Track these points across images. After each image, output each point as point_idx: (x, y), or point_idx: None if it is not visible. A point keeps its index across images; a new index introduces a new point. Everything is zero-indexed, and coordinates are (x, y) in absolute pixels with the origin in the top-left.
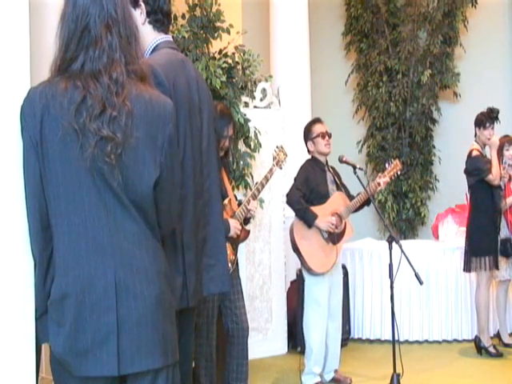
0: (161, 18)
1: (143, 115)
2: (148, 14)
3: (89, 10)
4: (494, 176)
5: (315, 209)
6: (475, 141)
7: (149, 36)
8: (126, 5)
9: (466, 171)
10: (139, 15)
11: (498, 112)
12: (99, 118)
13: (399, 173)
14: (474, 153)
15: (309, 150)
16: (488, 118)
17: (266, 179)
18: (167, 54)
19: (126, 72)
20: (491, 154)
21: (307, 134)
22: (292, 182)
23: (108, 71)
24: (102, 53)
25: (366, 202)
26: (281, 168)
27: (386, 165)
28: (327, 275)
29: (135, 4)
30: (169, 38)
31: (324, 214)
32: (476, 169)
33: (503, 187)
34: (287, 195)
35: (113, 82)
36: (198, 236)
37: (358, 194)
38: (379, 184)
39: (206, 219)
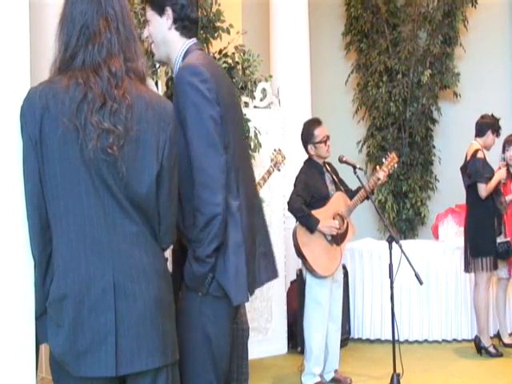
0: (188, 24)
1: (144, 114)
2: (175, 21)
3: (87, 8)
4: (487, 189)
5: (317, 212)
6: (476, 140)
7: (176, 41)
8: (124, 5)
9: (465, 170)
10: (165, 21)
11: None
12: (100, 111)
13: (396, 166)
14: (480, 154)
15: (308, 153)
16: (499, 127)
17: (264, 180)
18: (203, 55)
19: (124, 68)
20: (499, 172)
21: (308, 137)
22: (292, 182)
23: (107, 64)
24: (102, 47)
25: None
26: (279, 170)
27: (383, 159)
28: (329, 276)
29: (161, 11)
30: (195, 40)
31: (326, 217)
32: (477, 171)
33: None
34: (288, 203)
35: (112, 76)
36: (255, 225)
37: (357, 190)
38: (379, 178)
39: (255, 209)
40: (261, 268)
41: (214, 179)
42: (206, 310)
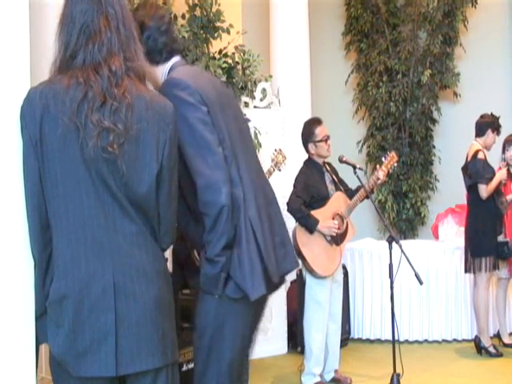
0: (156, 56)
1: (144, 114)
2: (145, 57)
3: (87, 8)
4: (488, 189)
5: (316, 212)
6: (476, 140)
7: (156, 70)
8: (124, 5)
9: (466, 171)
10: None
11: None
12: (100, 110)
13: (396, 165)
14: (480, 155)
15: (308, 152)
16: (499, 125)
17: None
18: (183, 68)
19: (124, 67)
20: (500, 172)
21: (309, 136)
22: (292, 182)
23: (107, 63)
24: (102, 46)
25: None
26: (279, 170)
27: (383, 158)
28: (329, 276)
29: None
30: (177, 59)
31: (325, 217)
32: (477, 172)
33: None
34: (288, 203)
35: (112, 74)
36: (266, 217)
37: (357, 190)
38: (378, 178)
39: (268, 199)
40: (280, 257)
41: (213, 179)
42: (223, 312)
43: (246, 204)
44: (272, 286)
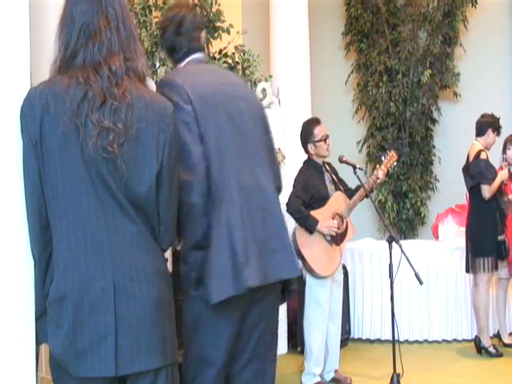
0: (175, 54)
1: (144, 114)
2: (167, 55)
3: (87, 8)
4: (491, 190)
5: (316, 213)
6: (477, 140)
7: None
8: (124, 5)
9: (467, 171)
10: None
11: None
12: (100, 110)
13: (395, 163)
14: (483, 155)
15: (308, 152)
16: (499, 125)
17: None
18: (188, 65)
19: (124, 67)
20: (501, 172)
21: (308, 136)
22: (291, 182)
23: (107, 63)
24: (102, 46)
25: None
26: None
27: (382, 158)
28: (329, 276)
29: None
30: (197, 55)
31: (325, 217)
32: (481, 172)
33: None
34: (287, 204)
35: (112, 74)
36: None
37: (356, 189)
38: (378, 177)
39: (264, 203)
40: (271, 263)
41: (185, 179)
42: (199, 312)
43: (223, 204)
44: (260, 291)
